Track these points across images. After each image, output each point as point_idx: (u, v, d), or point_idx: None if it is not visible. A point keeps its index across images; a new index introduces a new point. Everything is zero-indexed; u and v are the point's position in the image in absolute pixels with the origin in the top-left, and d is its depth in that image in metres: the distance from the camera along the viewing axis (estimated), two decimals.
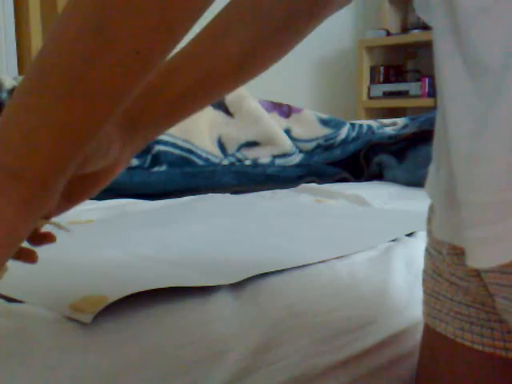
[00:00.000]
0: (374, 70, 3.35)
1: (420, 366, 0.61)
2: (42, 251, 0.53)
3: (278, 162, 1.54)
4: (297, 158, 1.56)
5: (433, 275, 0.56)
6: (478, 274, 0.49)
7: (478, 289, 0.50)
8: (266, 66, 0.58)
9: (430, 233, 0.56)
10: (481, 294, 0.51)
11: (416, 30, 3.16)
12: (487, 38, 0.39)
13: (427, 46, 3.27)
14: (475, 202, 0.41)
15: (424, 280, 0.58)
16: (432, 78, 3.04)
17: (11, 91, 1.30)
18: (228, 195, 1.25)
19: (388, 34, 3.26)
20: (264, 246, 0.79)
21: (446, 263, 0.53)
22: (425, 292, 0.58)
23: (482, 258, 0.41)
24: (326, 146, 1.62)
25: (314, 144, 1.62)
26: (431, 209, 0.56)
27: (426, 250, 0.58)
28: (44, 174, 0.39)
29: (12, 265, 0.48)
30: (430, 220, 0.56)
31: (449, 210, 0.47)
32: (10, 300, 0.57)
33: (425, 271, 0.58)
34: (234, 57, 0.55)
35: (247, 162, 1.51)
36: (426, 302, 0.58)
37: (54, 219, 0.49)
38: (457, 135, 0.42)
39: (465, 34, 0.40)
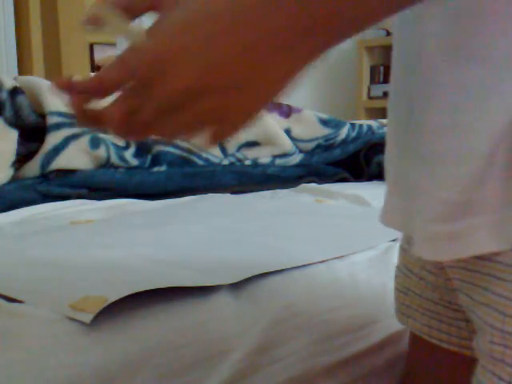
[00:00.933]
0: (373, 70, 3.35)
1: (405, 366, 0.62)
2: (42, 251, 0.53)
3: (278, 162, 1.54)
4: (297, 158, 1.56)
5: (404, 270, 0.56)
6: (444, 267, 0.49)
7: (446, 283, 0.50)
8: None
9: None
10: (448, 289, 0.50)
11: None
12: (499, 28, 0.37)
13: None
14: (441, 198, 0.41)
15: (396, 276, 0.58)
16: None
17: (11, 91, 1.31)
18: (228, 195, 1.25)
19: (388, 33, 3.26)
20: (264, 245, 0.79)
21: (417, 256, 0.52)
22: (396, 288, 0.58)
23: (437, 252, 0.42)
24: (326, 146, 1.62)
25: (314, 144, 1.62)
26: None
27: (400, 245, 0.58)
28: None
29: (12, 265, 0.48)
30: None
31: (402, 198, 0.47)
32: (10, 300, 0.57)
33: (398, 267, 0.58)
34: None
35: (247, 162, 1.51)
36: (396, 299, 0.58)
37: None
38: (433, 128, 0.41)
39: (467, 21, 0.39)
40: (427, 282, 0.52)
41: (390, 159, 0.50)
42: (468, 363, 0.50)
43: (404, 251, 0.56)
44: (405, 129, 0.45)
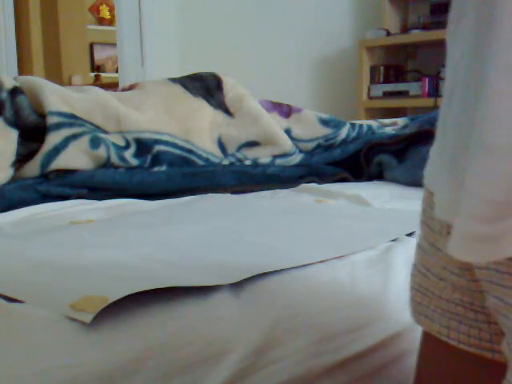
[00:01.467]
0: (374, 70, 3.35)
1: (416, 366, 0.61)
2: (41, 251, 0.53)
3: (278, 161, 1.54)
4: (297, 158, 1.56)
5: (421, 270, 0.55)
6: (471, 268, 0.48)
7: (470, 284, 0.49)
8: None
9: (423, 224, 0.55)
10: (472, 290, 0.49)
11: (416, 30, 3.16)
12: None
13: (427, 45, 3.23)
14: (483, 197, 0.39)
15: (412, 275, 0.57)
16: (432, 77, 3.04)
17: (11, 91, 1.31)
18: (228, 195, 1.25)
19: (388, 34, 3.26)
20: (264, 245, 0.79)
21: (439, 256, 0.52)
22: (412, 287, 0.57)
23: (473, 253, 0.41)
24: (326, 146, 1.62)
25: (314, 144, 1.62)
26: (426, 199, 0.55)
27: (418, 244, 0.57)
28: None
29: (12, 265, 0.48)
30: (424, 211, 0.55)
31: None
32: (10, 300, 0.57)
33: (414, 265, 0.57)
34: None
35: (247, 162, 1.51)
36: (412, 298, 0.57)
37: None
38: (491, 119, 0.39)
39: None
40: (448, 283, 0.51)
41: (447, 152, 0.48)
42: (487, 365, 0.49)
43: (422, 250, 0.55)
44: (465, 119, 0.43)
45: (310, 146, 1.62)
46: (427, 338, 0.57)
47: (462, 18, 0.45)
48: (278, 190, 1.31)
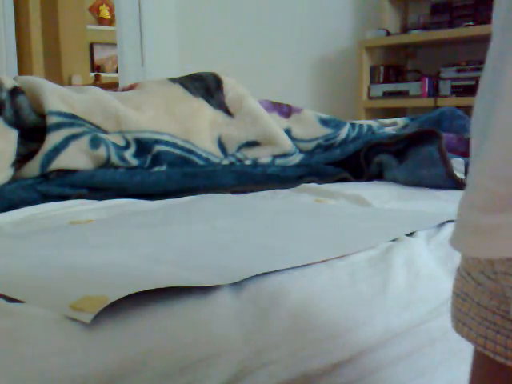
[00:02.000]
0: (374, 70, 3.35)
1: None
2: (41, 251, 0.53)
3: (279, 161, 1.54)
4: (297, 158, 1.56)
5: (463, 274, 0.51)
6: (496, 272, 0.45)
7: (504, 290, 0.46)
8: None
9: None
10: (506, 297, 0.46)
11: (416, 30, 3.16)
12: None
13: (427, 45, 3.22)
14: (486, 186, 0.38)
15: (456, 280, 0.53)
16: (432, 77, 3.04)
17: (11, 91, 1.31)
18: (228, 195, 1.25)
19: (388, 34, 3.26)
20: (264, 245, 0.79)
21: (477, 260, 0.48)
22: (454, 293, 0.53)
23: (466, 244, 0.39)
24: (326, 146, 1.62)
25: (314, 144, 1.62)
26: None
27: None
28: None
29: (12, 265, 0.48)
30: None
31: None
32: (10, 300, 0.57)
33: (458, 270, 0.53)
34: None
35: (247, 162, 1.51)
36: (453, 304, 0.53)
37: None
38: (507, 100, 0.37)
39: None
40: (485, 288, 0.48)
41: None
42: None
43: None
44: (488, 107, 0.42)
45: (310, 145, 1.62)
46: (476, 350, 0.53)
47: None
48: (278, 190, 1.31)
